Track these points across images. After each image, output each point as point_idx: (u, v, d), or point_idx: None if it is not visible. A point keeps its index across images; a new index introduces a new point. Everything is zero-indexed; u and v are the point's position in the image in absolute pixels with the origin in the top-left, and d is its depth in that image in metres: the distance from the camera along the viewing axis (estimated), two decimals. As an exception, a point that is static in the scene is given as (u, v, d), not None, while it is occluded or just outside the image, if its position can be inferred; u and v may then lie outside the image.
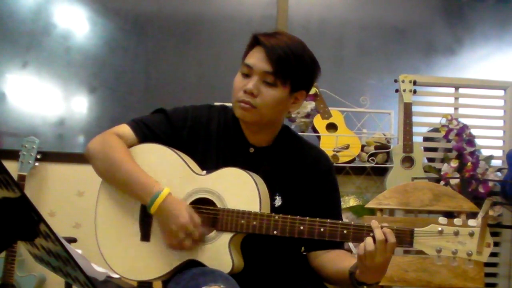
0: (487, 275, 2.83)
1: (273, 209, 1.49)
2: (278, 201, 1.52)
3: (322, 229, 1.38)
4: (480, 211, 1.31)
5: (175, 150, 1.51)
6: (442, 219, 1.34)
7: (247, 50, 1.52)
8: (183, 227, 1.38)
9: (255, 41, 1.49)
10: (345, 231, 1.38)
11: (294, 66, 1.45)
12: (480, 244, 1.30)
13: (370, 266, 1.31)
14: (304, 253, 1.62)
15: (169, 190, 1.42)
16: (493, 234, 2.97)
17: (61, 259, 1.00)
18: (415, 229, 1.34)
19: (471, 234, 1.31)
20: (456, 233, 1.32)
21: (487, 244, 1.31)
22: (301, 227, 1.39)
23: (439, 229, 1.33)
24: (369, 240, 1.31)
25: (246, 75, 1.48)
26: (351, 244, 2.34)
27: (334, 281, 1.53)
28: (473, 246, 1.31)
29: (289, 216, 1.40)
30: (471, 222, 1.32)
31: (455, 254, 1.31)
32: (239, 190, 1.43)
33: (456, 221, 1.33)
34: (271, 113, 1.49)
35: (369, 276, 1.34)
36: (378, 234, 1.31)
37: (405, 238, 1.34)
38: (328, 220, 1.39)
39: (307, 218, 1.40)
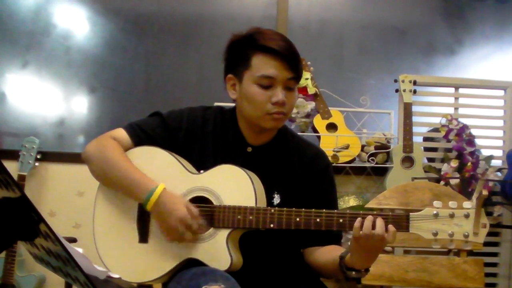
0: (487, 275, 2.83)
1: (272, 207, 1.49)
2: (276, 199, 1.53)
3: (318, 220, 1.40)
4: (474, 192, 1.31)
5: (171, 152, 1.52)
6: (436, 203, 1.35)
7: (246, 56, 1.48)
8: (181, 221, 1.39)
9: (256, 47, 1.46)
10: (341, 220, 1.39)
11: (301, 64, 1.51)
12: (476, 225, 1.31)
13: (364, 246, 1.31)
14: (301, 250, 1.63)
15: (164, 186, 1.43)
16: (493, 234, 2.97)
17: (61, 259, 1.00)
18: (411, 213, 1.35)
19: (467, 216, 1.32)
20: (452, 216, 1.32)
21: (483, 225, 1.32)
22: (298, 219, 1.40)
23: (434, 212, 1.33)
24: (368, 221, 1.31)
25: (267, 87, 1.46)
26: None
27: (325, 272, 1.55)
28: (469, 227, 1.31)
29: (285, 208, 1.42)
30: (466, 204, 1.33)
31: (451, 236, 1.32)
32: (234, 186, 1.44)
33: (451, 203, 1.34)
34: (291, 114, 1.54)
35: (360, 259, 1.34)
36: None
37: (401, 223, 1.34)
38: (324, 210, 1.40)
39: (303, 209, 1.41)
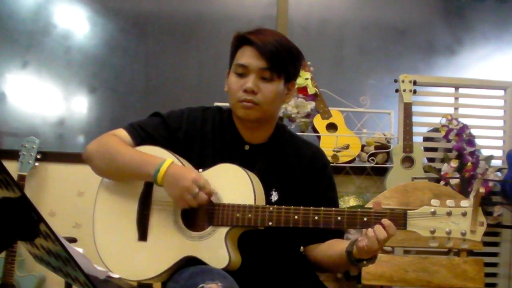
0: (487, 275, 2.83)
1: (270, 204, 1.50)
2: (274, 196, 1.54)
3: (316, 217, 1.40)
4: (472, 191, 1.32)
5: (172, 151, 1.53)
6: (434, 201, 1.35)
7: (234, 50, 1.54)
8: (194, 181, 1.39)
9: (241, 41, 1.52)
10: (339, 218, 1.40)
11: (286, 59, 1.50)
12: (473, 223, 1.31)
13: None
14: (302, 248, 1.63)
15: (172, 160, 1.43)
16: (493, 234, 2.97)
17: (61, 259, 1.00)
18: (408, 211, 1.36)
19: (464, 214, 1.32)
20: (449, 214, 1.33)
21: (480, 223, 1.32)
22: (296, 217, 1.41)
23: (432, 210, 1.34)
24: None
25: (241, 75, 1.50)
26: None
27: (331, 267, 1.56)
28: (467, 225, 1.32)
29: (283, 206, 1.43)
30: (464, 202, 1.33)
31: (449, 234, 1.33)
32: (233, 184, 1.45)
33: (449, 202, 1.34)
34: (272, 107, 1.53)
35: (369, 254, 1.37)
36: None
37: (398, 220, 1.36)
38: (322, 208, 1.41)
39: (301, 207, 1.42)
